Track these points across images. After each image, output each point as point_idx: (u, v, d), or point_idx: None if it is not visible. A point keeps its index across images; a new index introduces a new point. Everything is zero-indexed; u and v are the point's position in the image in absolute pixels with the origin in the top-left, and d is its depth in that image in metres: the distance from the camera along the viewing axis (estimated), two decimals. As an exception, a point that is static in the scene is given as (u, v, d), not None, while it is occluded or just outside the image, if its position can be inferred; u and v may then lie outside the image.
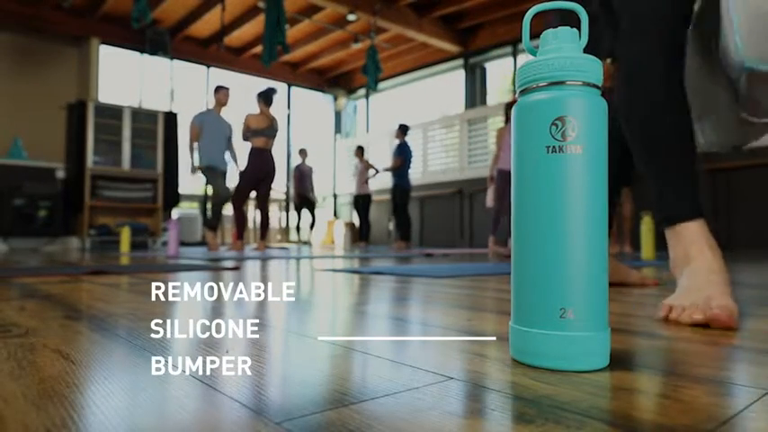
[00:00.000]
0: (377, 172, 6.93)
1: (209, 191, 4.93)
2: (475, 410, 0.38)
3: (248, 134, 4.68)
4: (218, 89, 4.99)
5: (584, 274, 0.50)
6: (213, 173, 4.84)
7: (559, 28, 0.53)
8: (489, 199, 5.34)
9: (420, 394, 0.42)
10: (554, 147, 0.50)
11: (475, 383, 0.45)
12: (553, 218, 0.50)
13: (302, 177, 7.66)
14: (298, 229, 7.76)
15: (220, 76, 8.21)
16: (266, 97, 4.72)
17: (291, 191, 8.10)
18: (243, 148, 4.87)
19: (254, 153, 4.67)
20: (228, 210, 5.46)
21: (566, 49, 0.53)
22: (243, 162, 4.74)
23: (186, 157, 4.88)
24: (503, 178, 5.29)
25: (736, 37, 0.87)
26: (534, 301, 0.51)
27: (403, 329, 0.72)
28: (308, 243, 8.30)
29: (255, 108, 4.76)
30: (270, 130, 4.69)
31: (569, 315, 0.49)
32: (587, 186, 0.50)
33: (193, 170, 4.84)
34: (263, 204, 4.76)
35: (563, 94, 0.51)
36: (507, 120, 5.40)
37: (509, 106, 5.37)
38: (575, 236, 0.50)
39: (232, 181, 4.95)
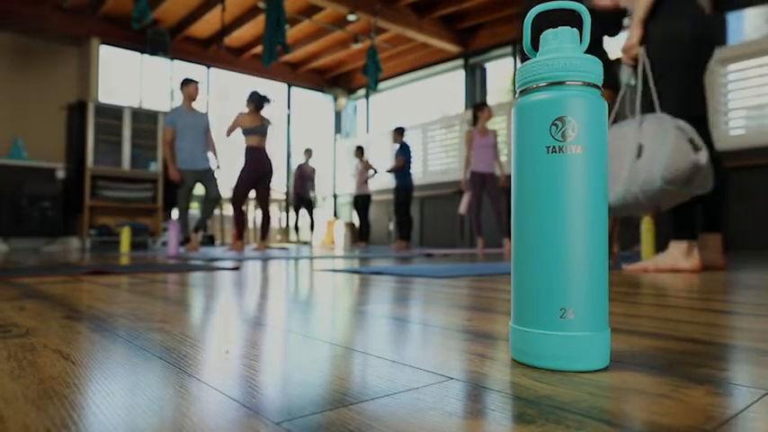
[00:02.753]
0: (376, 172, 6.93)
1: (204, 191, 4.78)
2: (475, 411, 0.38)
3: (237, 131, 4.64)
4: (187, 82, 4.69)
5: (584, 275, 0.50)
6: (189, 177, 4.64)
7: (560, 28, 0.53)
8: (463, 206, 5.31)
9: (420, 394, 0.42)
10: (554, 147, 0.50)
11: (475, 384, 0.45)
12: (553, 218, 0.50)
13: (302, 177, 7.66)
14: (296, 228, 7.76)
15: (220, 76, 8.21)
16: (258, 103, 4.67)
17: (291, 190, 8.10)
18: (224, 142, 4.73)
19: (250, 153, 4.65)
20: (228, 210, 5.37)
21: (566, 50, 0.53)
22: (224, 156, 4.62)
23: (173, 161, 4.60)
24: (474, 180, 5.30)
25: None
26: (534, 301, 0.51)
27: (403, 329, 0.72)
28: (307, 243, 8.30)
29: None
30: (261, 127, 4.67)
31: (569, 315, 0.49)
32: (587, 186, 0.50)
33: (175, 175, 4.57)
34: (263, 204, 4.75)
35: (563, 94, 0.51)
36: (475, 122, 5.41)
37: (477, 108, 5.38)
38: (575, 236, 0.50)
39: (221, 179, 4.84)
